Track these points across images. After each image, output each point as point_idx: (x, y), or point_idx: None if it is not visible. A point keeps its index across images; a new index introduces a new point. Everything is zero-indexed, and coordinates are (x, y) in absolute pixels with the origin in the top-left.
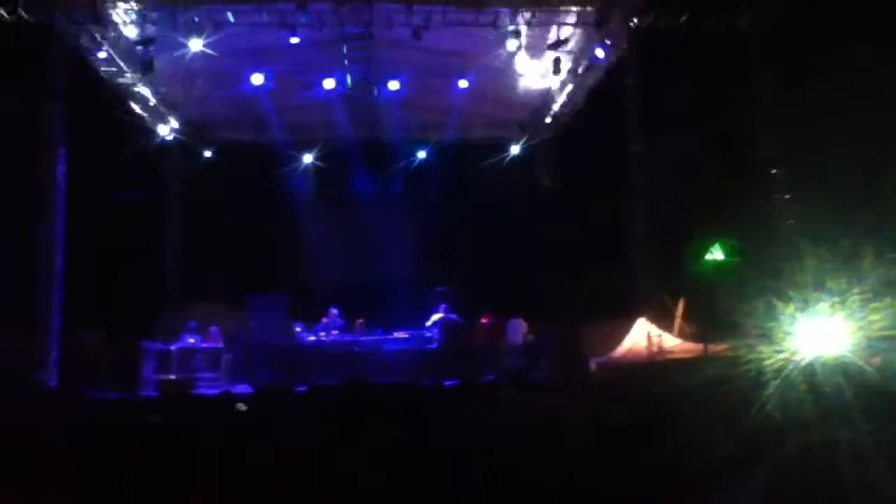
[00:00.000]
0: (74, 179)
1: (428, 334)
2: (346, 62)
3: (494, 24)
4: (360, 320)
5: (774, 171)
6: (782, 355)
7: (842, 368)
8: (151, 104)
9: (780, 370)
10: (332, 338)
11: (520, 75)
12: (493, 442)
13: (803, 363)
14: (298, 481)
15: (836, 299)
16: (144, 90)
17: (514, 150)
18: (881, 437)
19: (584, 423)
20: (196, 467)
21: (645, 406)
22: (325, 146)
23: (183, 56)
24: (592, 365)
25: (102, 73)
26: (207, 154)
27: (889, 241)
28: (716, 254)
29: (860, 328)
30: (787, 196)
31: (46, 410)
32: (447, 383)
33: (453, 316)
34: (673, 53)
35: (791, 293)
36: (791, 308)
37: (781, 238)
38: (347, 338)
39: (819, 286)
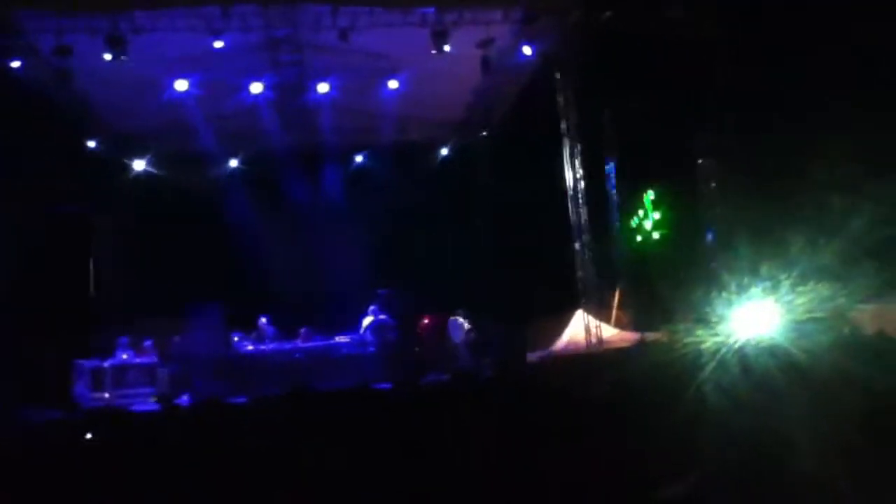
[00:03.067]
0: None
1: (366, 338)
2: (275, 66)
3: (421, 25)
4: (304, 328)
5: (701, 160)
6: (717, 339)
7: (770, 350)
8: (75, 115)
9: (714, 353)
10: (271, 346)
11: (450, 76)
12: (441, 443)
13: (736, 346)
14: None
15: (767, 284)
16: (67, 101)
17: (449, 150)
18: (808, 416)
19: (521, 421)
20: (136, 485)
21: (583, 399)
22: (257, 152)
23: (104, 65)
24: (533, 359)
25: (21, 84)
26: (138, 164)
27: (817, 227)
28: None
29: (788, 311)
30: (714, 185)
31: None
32: (381, 386)
33: (384, 318)
34: (603, 50)
35: (724, 278)
36: (725, 293)
37: (714, 225)
38: (287, 346)
39: (751, 272)
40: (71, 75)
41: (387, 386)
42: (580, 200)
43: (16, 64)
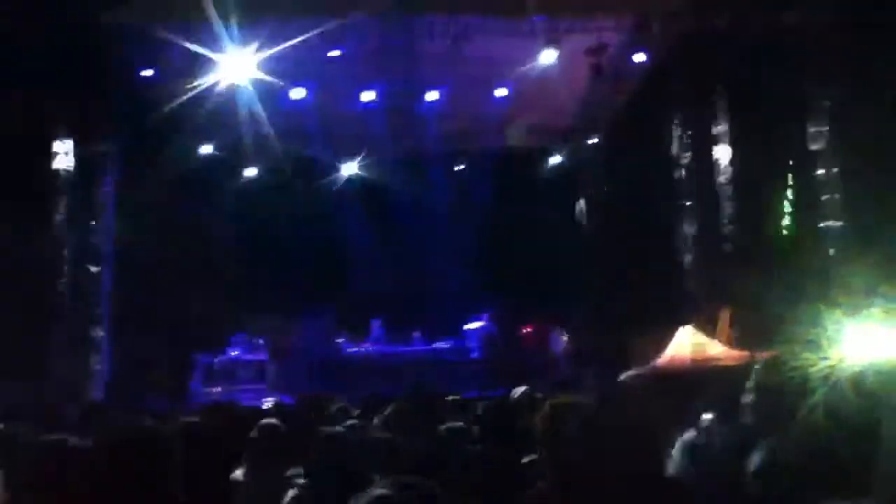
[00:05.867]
0: (122, 192)
1: (468, 345)
2: (386, 74)
3: (533, 33)
4: (416, 333)
5: (821, 171)
6: (829, 362)
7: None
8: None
9: (827, 377)
10: (374, 349)
11: (560, 83)
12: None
13: (853, 370)
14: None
15: (890, 304)
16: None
17: (557, 158)
18: None
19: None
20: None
21: (686, 414)
22: (368, 159)
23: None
24: (634, 374)
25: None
26: (251, 171)
27: None
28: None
29: None
30: (837, 196)
31: (99, 427)
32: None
33: (490, 326)
34: (717, 56)
35: (840, 298)
36: (840, 314)
37: (833, 241)
38: (391, 349)
39: (870, 291)
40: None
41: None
42: (692, 212)
43: (148, 72)
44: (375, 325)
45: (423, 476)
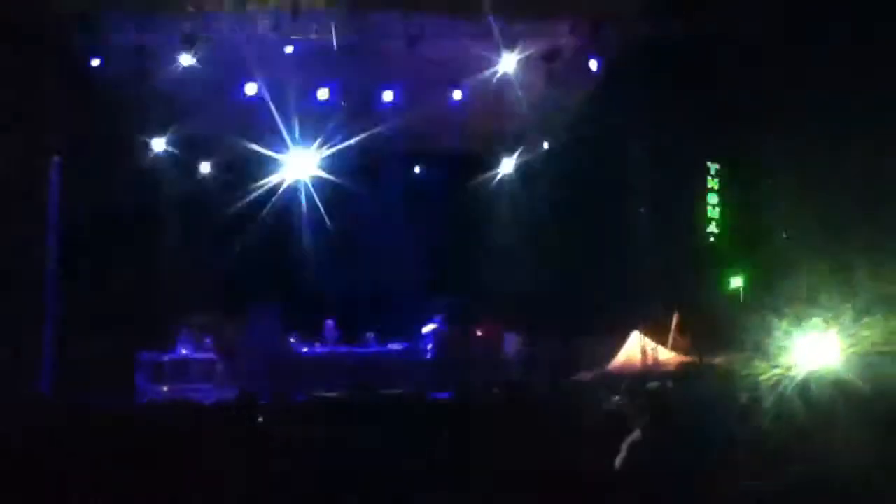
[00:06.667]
0: (69, 188)
1: (422, 346)
2: (341, 72)
3: (488, 35)
4: (371, 334)
5: (770, 180)
6: (777, 370)
7: (835, 383)
8: (146, 114)
9: (776, 384)
10: (326, 348)
11: (515, 86)
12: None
13: (798, 378)
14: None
15: (830, 314)
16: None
17: (511, 161)
18: (875, 450)
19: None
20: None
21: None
22: (320, 157)
23: (176, 67)
24: (586, 378)
25: (96, 83)
26: (204, 166)
27: (885, 256)
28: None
29: (854, 344)
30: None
31: (44, 419)
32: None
33: (444, 327)
34: (668, 60)
35: (785, 308)
36: (785, 323)
37: (777, 251)
38: (342, 349)
39: (813, 301)
40: (147, 75)
41: (445, 395)
42: (642, 219)
43: (96, 62)
44: (329, 326)
45: None
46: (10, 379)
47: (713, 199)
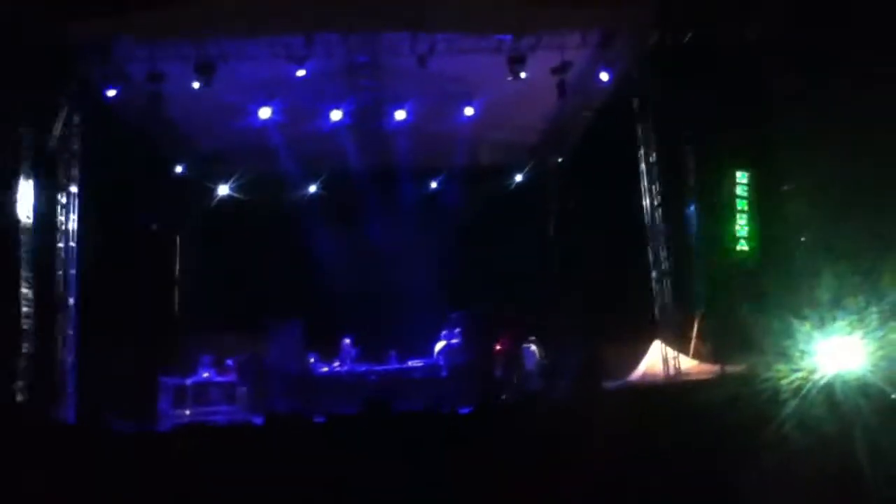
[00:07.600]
0: (89, 209)
1: (440, 363)
2: (353, 91)
3: (498, 50)
4: (392, 352)
5: (786, 186)
6: (800, 374)
7: (861, 388)
8: (164, 139)
9: (798, 389)
10: (345, 368)
11: (526, 100)
12: (512, 465)
13: (822, 382)
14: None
15: (855, 317)
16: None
17: (524, 174)
18: None
19: (601, 446)
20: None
21: (663, 428)
22: (336, 176)
23: (191, 91)
24: (609, 387)
25: (114, 109)
26: (222, 188)
27: None
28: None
29: (879, 347)
30: (803, 211)
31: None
32: (462, 410)
33: (455, 342)
34: (681, 70)
35: (808, 311)
36: (808, 326)
37: (800, 254)
38: (361, 368)
39: (837, 304)
40: (161, 101)
41: (465, 410)
42: (658, 228)
43: (112, 93)
44: (346, 343)
45: None
46: (33, 403)
47: (742, 205)
